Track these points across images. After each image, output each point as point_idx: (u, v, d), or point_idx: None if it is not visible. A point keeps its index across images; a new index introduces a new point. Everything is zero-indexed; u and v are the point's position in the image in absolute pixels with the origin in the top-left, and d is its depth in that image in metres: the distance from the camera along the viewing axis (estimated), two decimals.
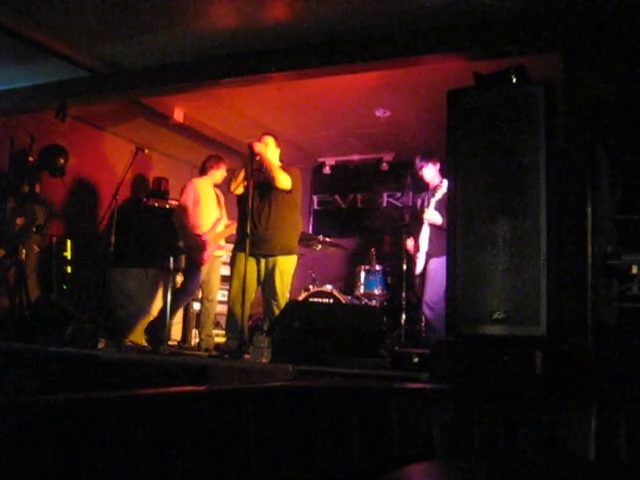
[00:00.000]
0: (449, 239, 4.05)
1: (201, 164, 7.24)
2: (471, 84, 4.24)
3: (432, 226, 6.32)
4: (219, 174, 7.19)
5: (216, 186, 7.23)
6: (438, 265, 6.08)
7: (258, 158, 5.96)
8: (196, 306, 8.39)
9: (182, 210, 6.94)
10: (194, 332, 8.28)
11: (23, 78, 7.08)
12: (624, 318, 4.42)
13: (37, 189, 7.37)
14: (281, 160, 6.34)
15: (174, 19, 5.66)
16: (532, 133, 3.90)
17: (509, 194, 3.88)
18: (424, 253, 6.47)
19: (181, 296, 6.89)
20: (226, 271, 7.33)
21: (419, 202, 6.82)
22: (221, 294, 8.30)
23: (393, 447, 2.85)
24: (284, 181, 6.00)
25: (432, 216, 6.28)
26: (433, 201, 6.30)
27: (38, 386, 4.53)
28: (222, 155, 9.08)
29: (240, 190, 6.18)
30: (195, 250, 6.78)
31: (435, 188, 6.40)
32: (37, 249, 7.25)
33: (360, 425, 2.81)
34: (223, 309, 7.72)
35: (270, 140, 6.25)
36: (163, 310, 6.70)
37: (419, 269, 6.55)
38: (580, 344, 4.21)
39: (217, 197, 7.21)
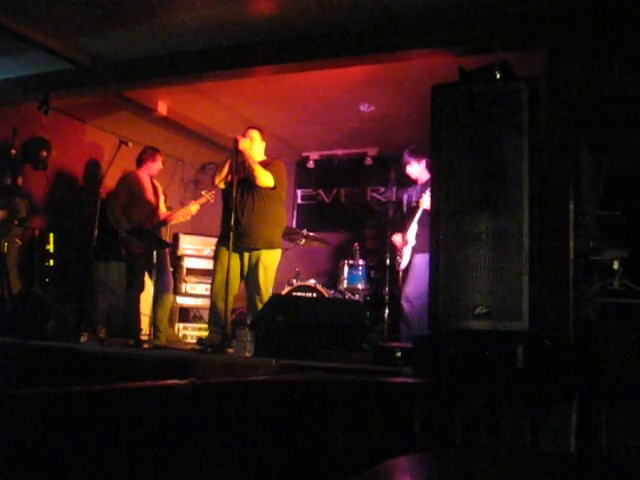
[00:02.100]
0: (432, 234, 4.06)
1: (137, 156, 7.24)
2: (456, 80, 4.25)
3: (422, 221, 6.29)
4: (155, 166, 7.21)
5: (153, 176, 7.25)
6: (423, 261, 6.09)
7: (243, 154, 5.96)
8: (180, 300, 8.40)
9: (113, 202, 6.93)
10: (177, 326, 8.29)
11: (5, 70, 7.02)
12: (605, 313, 4.45)
13: (19, 182, 7.32)
14: (266, 154, 6.34)
15: (158, 12, 5.63)
16: (515, 129, 3.91)
17: (492, 189, 3.90)
18: (410, 248, 6.48)
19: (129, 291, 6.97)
20: (209, 265, 7.35)
21: (405, 197, 6.82)
22: (204, 288, 8.32)
23: (375, 441, 2.86)
24: (265, 180, 5.98)
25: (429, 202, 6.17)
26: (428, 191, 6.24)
27: (19, 380, 4.52)
28: (206, 148, 9.12)
29: (223, 184, 6.17)
30: (128, 242, 6.79)
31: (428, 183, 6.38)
32: (19, 242, 7.21)
33: (343, 419, 2.81)
34: (206, 303, 7.74)
35: (255, 134, 6.24)
36: (135, 303, 6.79)
37: (404, 264, 6.56)
38: (562, 339, 4.23)
39: (155, 189, 7.22)
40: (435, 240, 4.02)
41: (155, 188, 7.23)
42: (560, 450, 2.74)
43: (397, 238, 6.71)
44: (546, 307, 4.18)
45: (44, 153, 7.45)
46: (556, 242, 4.50)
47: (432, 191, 4.22)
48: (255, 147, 6.15)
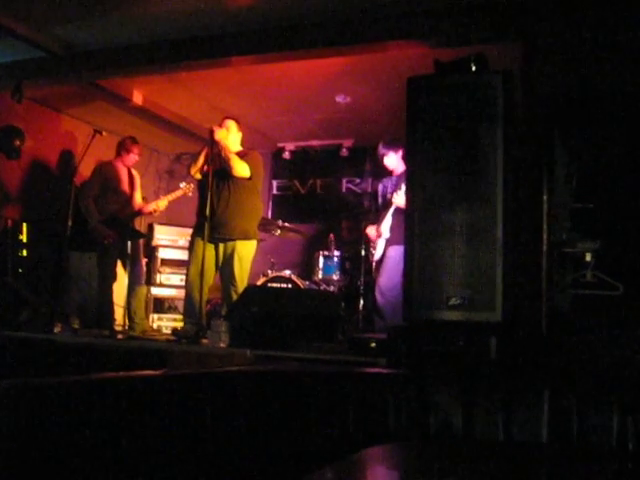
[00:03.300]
0: (407, 225, 4.08)
1: (116, 146, 7.21)
2: (431, 71, 4.26)
3: (396, 213, 6.31)
4: (132, 157, 7.20)
5: (129, 167, 7.23)
6: (396, 253, 6.11)
7: (218, 144, 5.95)
8: (154, 291, 8.38)
9: (86, 192, 6.90)
10: (152, 317, 8.27)
11: None
12: (578, 305, 4.49)
13: None
14: (242, 144, 6.33)
15: (134, 0, 5.59)
16: (490, 121, 3.93)
17: (467, 181, 3.92)
18: (384, 240, 6.49)
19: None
20: (184, 255, 7.33)
21: (380, 188, 6.83)
22: (179, 278, 8.30)
23: (350, 431, 2.87)
24: (242, 170, 5.98)
25: (402, 200, 6.20)
26: (403, 186, 6.26)
27: None
28: (181, 138, 9.08)
29: (199, 175, 6.16)
30: (97, 232, 6.77)
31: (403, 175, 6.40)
32: None
33: (317, 409, 2.83)
34: (180, 294, 7.72)
35: (232, 124, 6.23)
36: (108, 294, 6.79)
37: (378, 255, 6.58)
38: (534, 330, 4.27)
39: (132, 178, 7.20)
40: (410, 232, 4.04)
41: (132, 178, 7.20)
42: (532, 440, 2.77)
43: (371, 230, 6.72)
44: (519, 298, 4.22)
45: (17, 142, 7.38)
46: (529, 234, 4.53)
47: (407, 183, 4.24)
48: (231, 137, 6.14)
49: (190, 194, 6.80)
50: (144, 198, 7.46)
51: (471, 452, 2.57)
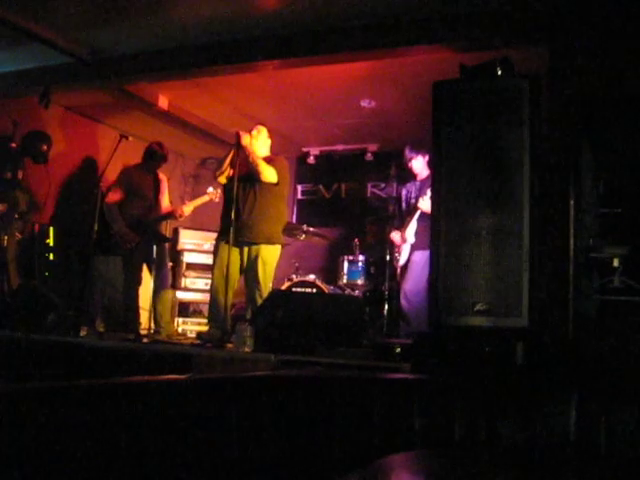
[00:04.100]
0: (433, 230, 4.06)
1: (144, 150, 7.24)
2: (457, 76, 4.24)
3: (422, 218, 6.29)
4: (158, 161, 7.22)
5: (156, 171, 7.27)
6: (421, 258, 6.10)
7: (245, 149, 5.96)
8: (179, 295, 8.40)
9: (110, 196, 6.94)
10: (177, 321, 8.30)
11: (6, 63, 7.01)
12: (605, 310, 4.45)
13: (20, 175, 7.31)
14: (270, 150, 6.33)
15: (160, 6, 5.62)
16: (517, 126, 3.91)
17: (493, 186, 3.89)
18: (409, 245, 6.47)
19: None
20: (209, 260, 7.34)
21: (404, 193, 6.82)
22: (204, 282, 8.32)
23: (374, 437, 2.86)
24: (269, 176, 5.98)
25: (428, 204, 6.15)
26: (429, 191, 6.23)
27: (18, 374, 4.52)
28: (206, 143, 9.11)
29: (224, 179, 6.18)
30: (120, 236, 6.81)
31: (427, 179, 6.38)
32: (19, 236, 7.21)
33: (342, 415, 2.82)
34: (205, 298, 7.73)
35: (262, 130, 6.23)
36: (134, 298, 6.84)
37: (403, 260, 6.56)
38: (561, 336, 4.23)
39: (159, 182, 7.22)
40: (435, 237, 4.01)
41: (158, 182, 7.22)
42: (559, 446, 2.75)
43: (396, 236, 6.70)
44: (546, 304, 4.19)
45: (44, 147, 7.44)
46: (556, 239, 4.50)
47: (433, 188, 4.22)
48: (259, 143, 6.13)
49: (217, 200, 6.80)
50: (170, 202, 7.50)
51: (496, 459, 2.55)
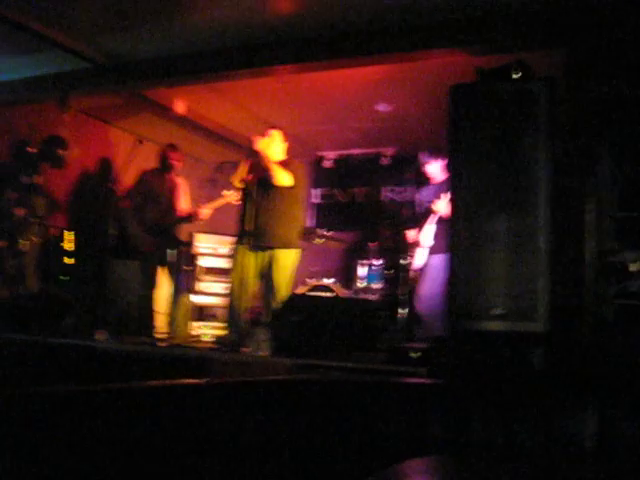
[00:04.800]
0: (450, 234, 4.05)
1: (158, 154, 7.26)
2: (473, 79, 4.24)
3: (439, 222, 6.27)
4: (174, 164, 7.22)
5: (172, 174, 7.28)
6: (438, 262, 6.07)
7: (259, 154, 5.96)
8: (195, 298, 8.42)
9: (126, 201, 6.97)
10: (192, 324, 8.31)
11: (25, 69, 7.06)
12: (622, 315, 4.42)
13: (37, 180, 7.36)
14: (285, 154, 6.34)
15: (176, 11, 5.64)
16: (533, 129, 3.90)
17: (510, 190, 3.89)
18: (426, 248, 6.45)
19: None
20: (224, 263, 7.36)
21: (419, 197, 6.80)
22: (219, 286, 8.33)
23: (391, 442, 2.86)
24: (283, 179, 5.98)
25: (444, 207, 6.12)
26: (443, 195, 6.20)
27: (35, 377, 4.54)
28: (223, 147, 9.13)
29: (240, 184, 6.19)
30: (136, 240, 6.83)
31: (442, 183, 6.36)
32: (37, 240, 7.25)
33: (358, 419, 2.81)
34: (221, 302, 7.75)
35: (276, 134, 6.23)
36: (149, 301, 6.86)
37: (418, 264, 6.54)
38: (578, 340, 4.21)
39: (175, 186, 7.24)
40: (452, 240, 4.01)
41: (175, 186, 7.25)
42: (577, 451, 2.73)
43: (411, 233, 6.67)
44: (563, 308, 4.16)
45: (62, 151, 7.48)
46: (573, 243, 4.47)
47: (450, 191, 4.21)
48: (274, 147, 6.14)
49: (236, 202, 6.80)
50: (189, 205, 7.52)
51: (514, 464, 2.54)
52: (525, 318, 3.76)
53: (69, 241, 7.50)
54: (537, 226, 3.81)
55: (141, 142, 6.74)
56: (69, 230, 7.58)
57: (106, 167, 8.46)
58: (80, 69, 6.86)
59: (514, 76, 4.10)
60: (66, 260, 7.49)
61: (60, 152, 7.47)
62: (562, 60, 5.01)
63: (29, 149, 7.32)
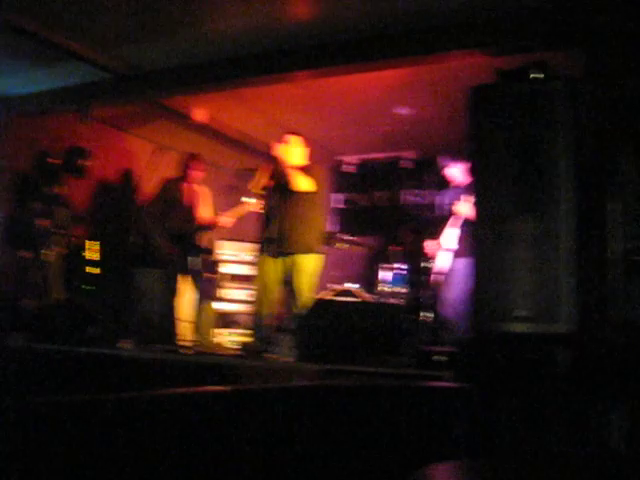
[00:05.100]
0: (474, 237, 4.04)
1: (179, 163, 7.29)
2: (493, 80, 4.22)
3: (463, 226, 6.25)
4: (195, 172, 7.26)
5: (193, 183, 7.30)
6: (462, 265, 6.05)
7: (278, 160, 5.97)
8: (218, 306, 8.43)
9: (147, 209, 6.99)
10: (216, 331, 8.32)
11: (46, 81, 7.12)
12: None
13: (60, 191, 7.41)
14: (306, 159, 6.34)
15: (195, 20, 5.67)
16: (555, 129, 3.88)
17: (532, 190, 3.87)
18: (450, 251, 6.43)
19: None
20: (247, 270, 7.37)
21: (441, 200, 6.78)
22: (242, 293, 8.34)
23: (418, 446, 2.84)
24: (302, 185, 5.98)
25: (466, 209, 6.09)
26: (464, 197, 6.18)
27: (60, 386, 4.56)
28: (243, 154, 9.15)
29: (260, 190, 6.20)
30: (158, 249, 6.86)
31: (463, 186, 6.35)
32: (60, 250, 7.30)
33: (385, 424, 2.80)
34: (244, 308, 7.76)
35: (294, 139, 6.23)
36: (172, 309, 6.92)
37: (440, 267, 6.52)
38: (603, 340, 4.17)
39: (196, 194, 7.26)
40: (476, 243, 3.99)
41: (196, 194, 7.28)
42: (607, 453, 2.70)
43: (430, 244, 6.66)
44: (587, 309, 4.13)
45: (84, 162, 7.53)
46: (597, 243, 4.44)
47: (472, 193, 4.19)
48: (293, 152, 6.14)
49: (257, 209, 6.80)
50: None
51: (542, 468, 2.51)
52: (550, 319, 3.74)
53: (93, 251, 7.55)
54: (560, 227, 3.78)
55: (164, 151, 6.77)
56: (92, 240, 7.62)
57: (127, 176, 8.50)
58: (101, 80, 6.92)
59: (534, 76, 4.08)
60: (91, 270, 7.54)
61: (82, 162, 7.52)
62: (583, 60, 4.98)
63: (51, 160, 7.38)
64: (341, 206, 10.09)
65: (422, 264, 7.07)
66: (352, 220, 9.83)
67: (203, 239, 7.64)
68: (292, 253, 6.03)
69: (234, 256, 8.73)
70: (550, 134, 3.89)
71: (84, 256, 7.54)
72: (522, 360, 3.71)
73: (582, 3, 4.94)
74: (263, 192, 6.22)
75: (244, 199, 6.96)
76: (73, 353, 5.14)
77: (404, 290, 7.69)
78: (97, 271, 7.52)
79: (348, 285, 7.51)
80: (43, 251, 7.02)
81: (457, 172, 6.57)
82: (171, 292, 7.02)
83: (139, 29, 5.89)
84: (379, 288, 7.74)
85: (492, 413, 2.93)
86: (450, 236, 6.42)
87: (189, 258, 7.01)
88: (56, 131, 7.50)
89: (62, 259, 7.44)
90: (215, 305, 8.31)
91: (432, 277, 6.88)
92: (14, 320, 6.50)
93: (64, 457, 1.76)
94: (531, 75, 4.05)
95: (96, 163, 7.75)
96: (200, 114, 7.74)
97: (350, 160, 9.64)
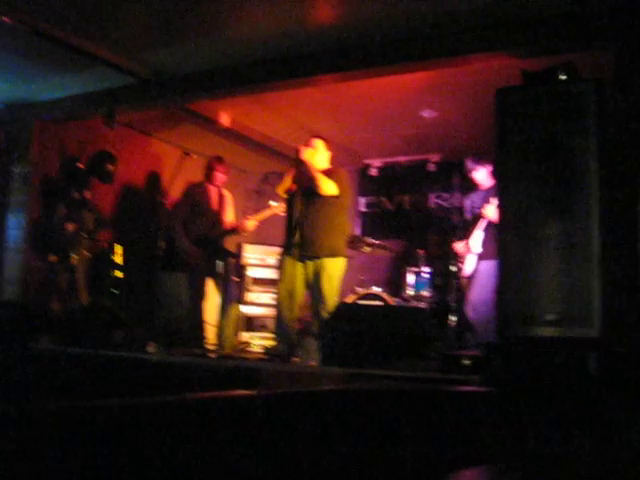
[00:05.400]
0: (499, 239, 4.01)
1: (204, 167, 7.31)
2: (519, 82, 4.19)
3: (487, 227, 6.22)
4: (220, 176, 7.28)
5: (219, 186, 7.32)
6: (488, 268, 6.01)
7: (305, 164, 5.97)
8: (245, 309, 8.45)
9: (174, 214, 7.01)
10: (242, 335, 8.34)
11: (72, 86, 7.18)
12: None
13: (87, 195, 7.48)
14: (329, 163, 6.33)
15: (219, 24, 5.69)
16: (583, 131, 3.83)
17: (560, 193, 3.83)
18: (475, 254, 6.40)
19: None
20: (273, 274, 7.38)
21: (467, 203, 6.75)
22: (268, 297, 8.35)
23: (445, 451, 2.82)
24: (328, 189, 5.97)
25: (494, 213, 6.05)
26: (493, 199, 6.14)
27: (89, 390, 4.58)
28: (268, 158, 9.17)
29: (286, 194, 6.21)
30: (184, 253, 6.89)
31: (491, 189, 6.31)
32: (87, 254, 7.35)
33: (411, 429, 2.78)
34: (270, 312, 7.77)
35: (319, 143, 6.23)
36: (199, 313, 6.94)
37: (468, 270, 6.49)
38: (635, 345, 4.12)
39: (221, 198, 7.28)
40: (502, 246, 3.96)
41: (222, 198, 7.30)
42: (636, 460, 2.66)
43: (459, 246, 6.62)
44: (618, 312, 4.08)
45: (110, 166, 7.60)
46: (627, 246, 4.39)
47: (498, 196, 4.16)
48: (318, 156, 6.14)
49: (282, 213, 6.80)
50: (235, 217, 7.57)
51: (571, 474, 2.48)
52: (579, 323, 3.70)
53: (119, 255, 7.60)
54: (589, 229, 3.74)
55: (188, 155, 6.79)
56: (117, 243, 7.68)
57: (154, 180, 8.55)
58: (126, 85, 6.96)
59: (561, 78, 4.04)
60: (117, 273, 7.59)
61: (109, 167, 7.59)
62: (610, 61, 4.93)
63: (79, 165, 7.45)
64: (367, 210, 10.06)
65: (450, 267, 7.03)
66: (378, 224, 9.80)
67: (229, 243, 7.67)
68: (317, 257, 6.03)
69: (260, 260, 8.75)
70: (578, 136, 3.85)
71: (113, 260, 7.59)
72: (550, 364, 3.67)
73: (610, 3, 4.89)
74: (287, 196, 6.23)
75: (271, 203, 6.96)
76: (100, 357, 5.17)
77: (430, 294, 7.66)
78: (121, 275, 7.57)
79: (373, 289, 7.49)
80: (70, 255, 7.07)
81: (483, 175, 6.53)
82: (198, 296, 7.05)
83: (164, 34, 5.92)
84: (406, 292, 7.72)
85: (519, 418, 2.90)
86: (477, 239, 6.39)
87: (216, 262, 7.03)
88: (83, 136, 7.56)
89: (89, 263, 7.49)
90: (242, 308, 8.34)
91: (459, 280, 6.83)
92: (42, 324, 6.55)
93: (88, 462, 1.76)
94: (560, 77, 4.01)
95: (122, 167, 7.81)
96: (225, 118, 7.77)
97: (376, 164, 9.61)
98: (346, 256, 6.27)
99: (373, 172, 9.63)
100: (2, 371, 4.85)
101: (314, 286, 6.07)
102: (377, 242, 7.99)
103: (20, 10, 5.55)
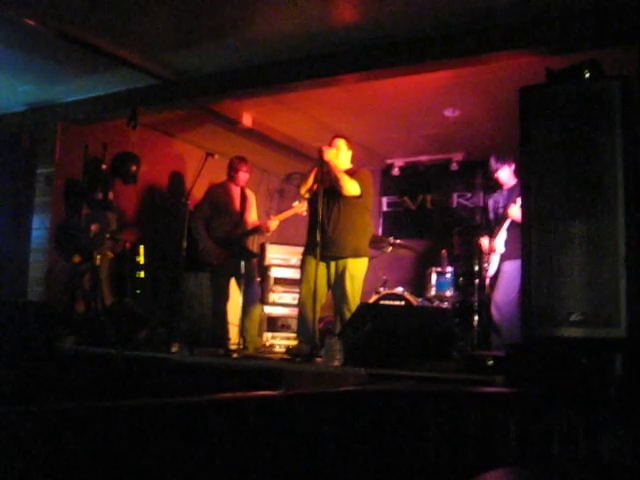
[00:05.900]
0: (524, 239, 3.97)
1: (227, 167, 7.32)
2: (543, 80, 4.15)
3: (511, 227, 6.17)
4: (242, 176, 7.28)
5: (241, 186, 7.33)
6: (512, 267, 5.97)
7: (327, 164, 5.95)
8: (268, 309, 8.45)
9: (196, 214, 7.03)
10: (265, 335, 8.34)
11: (95, 88, 7.22)
12: None
13: (110, 196, 7.52)
14: (351, 162, 6.32)
15: (241, 25, 5.69)
16: (608, 129, 3.80)
17: (585, 192, 3.79)
18: (499, 254, 6.36)
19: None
20: (296, 274, 7.37)
21: (491, 202, 6.71)
22: (291, 297, 8.35)
23: (469, 452, 2.80)
24: (351, 189, 5.96)
25: (517, 212, 6.01)
26: (518, 199, 6.09)
27: (113, 389, 4.60)
28: (291, 158, 9.17)
29: (309, 194, 6.20)
30: (206, 253, 6.90)
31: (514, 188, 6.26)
32: (111, 255, 7.39)
33: (435, 429, 2.76)
34: (293, 312, 7.76)
35: (341, 143, 6.22)
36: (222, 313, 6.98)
37: (492, 270, 6.45)
38: None
39: (244, 198, 7.28)
40: (526, 245, 3.93)
41: (244, 198, 7.31)
42: None
43: (484, 241, 6.58)
44: None
45: (133, 167, 7.64)
46: None
47: (522, 195, 4.13)
48: (341, 156, 6.13)
49: (304, 213, 6.79)
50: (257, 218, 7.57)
51: (597, 475, 2.45)
52: (605, 324, 3.66)
53: (142, 255, 7.64)
54: (615, 229, 3.70)
55: (212, 155, 6.80)
56: (140, 244, 7.71)
57: (177, 181, 8.58)
58: (149, 86, 6.99)
59: (586, 76, 4.00)
60: (139, 274, 7.62)
61: (132, 168, 7.62)
62: (635, 58, 4.88)
63: (102, 166, 7.49)
64: (390, 209, 10.04)
65: (474, 267, 6.98)
66: (401, 223, 9.77)
67: (252, 243, 7.67)
68: (340, 257, 6.02)
69: (283, 260, 8.75)
70: (602, 134, 3.81)
71: (136, 260, 7.63)
72: (576, 365, 3.63)
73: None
74: (309, 196, 6.22)
75: (294, 204, 6.96)
76: (124, 357, 5.19)
77: (453, 293, 7.62)
78: (142, 275, 7.60)
79: (396, 289, 7.46)
80: (94, 256, 7.11)
81: (507, 175, 6.49)
82: (222, 296, 7.06)
83: (186, 35, 5.94)
84: (430, 292, 7.68)
85: (545, 419, 2.87)
86: (501, 239, 6.35)
87: (239, 262, 7.04)
88: (106, 137, 7.60)
89: (113, 264, 7.53)
90: (265, 309, 8.34)
91: (483, 280, 6.79)
92: (67, 324, 6.60)
93: (114, 460, 1.77)
94: (584, 75, 3.97)
95: (145, 168, 7.84)
96: (247, 119, 7.78)
97: (398, 163, 9.58)
98: (369, 256, 6.25)
99: (395, 172, 9.60)
100: (28, 371, 4.89)
101: (337, 286, 6.06)
102: (399, 242, 7.96)
103: (44, 13, 5.59)
